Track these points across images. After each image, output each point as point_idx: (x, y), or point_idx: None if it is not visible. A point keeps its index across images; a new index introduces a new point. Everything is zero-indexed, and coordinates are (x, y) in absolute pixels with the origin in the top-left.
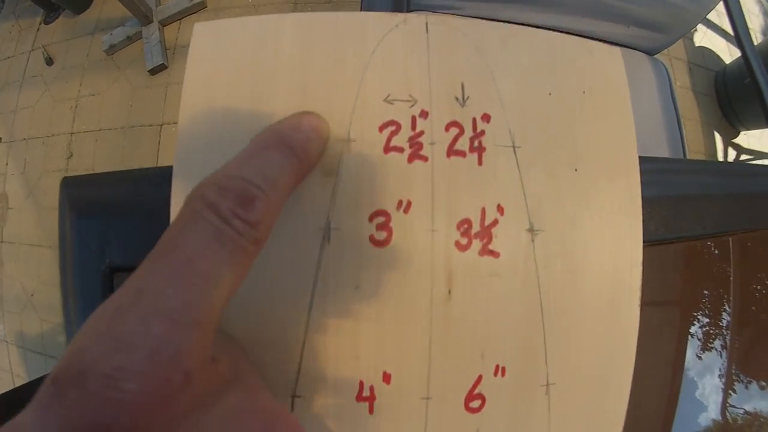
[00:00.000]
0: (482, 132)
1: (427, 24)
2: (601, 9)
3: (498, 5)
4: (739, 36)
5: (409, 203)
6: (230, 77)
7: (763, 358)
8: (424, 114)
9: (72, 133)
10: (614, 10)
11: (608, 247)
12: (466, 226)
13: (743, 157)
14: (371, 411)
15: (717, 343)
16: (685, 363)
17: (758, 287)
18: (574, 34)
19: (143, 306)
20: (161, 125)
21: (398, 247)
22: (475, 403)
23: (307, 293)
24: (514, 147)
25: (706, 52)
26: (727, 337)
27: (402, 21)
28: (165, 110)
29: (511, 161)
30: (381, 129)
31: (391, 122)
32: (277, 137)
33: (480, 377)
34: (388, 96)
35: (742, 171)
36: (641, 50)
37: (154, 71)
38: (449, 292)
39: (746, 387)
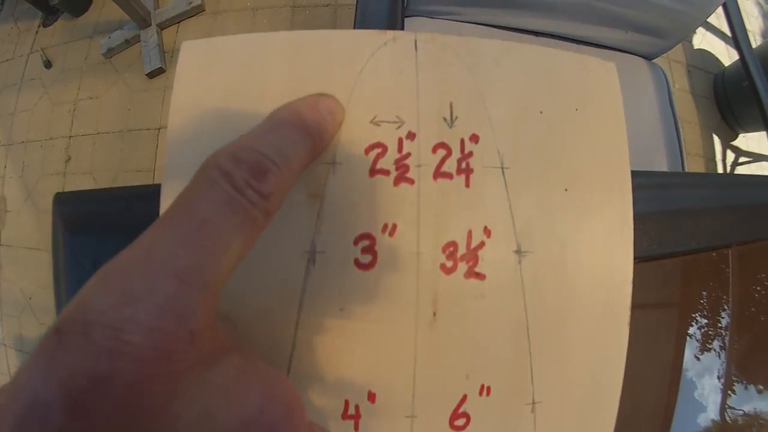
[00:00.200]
0: (470, 153)
1: (416, 42)
2: (600, 14)
3: (497, 11)
4: (738, 39)
5: (394, 226)
6: (217, 97)
7: (762, 360)
8: (411, 135)
9: (70, 137)
10: (613, 15)
11: (598, 267)
12: (452, 248)
13: (742, 159)
14: (356, 429)
15: (716, 344)
16: (684, 364)
17: (758, 288)
18: (572, 40)
19: (153, 264)
20: (159, 129)
21: (383, 270)
22: (460, 422)
23: (293, 314)
24: (502, 168)
25: (705, 55)
26: (726, 339)
27: (391, 39)
28: (163, 114)
29: (499, 183)
30: (367, 151)
31: (378, 144)
32: (294, 115)
33: (465, 396)
34: (374, 117)
35: (739, 182)
36: (639, 55)
37: (152, 75)
38: (434, 314)
39: (745, 388)
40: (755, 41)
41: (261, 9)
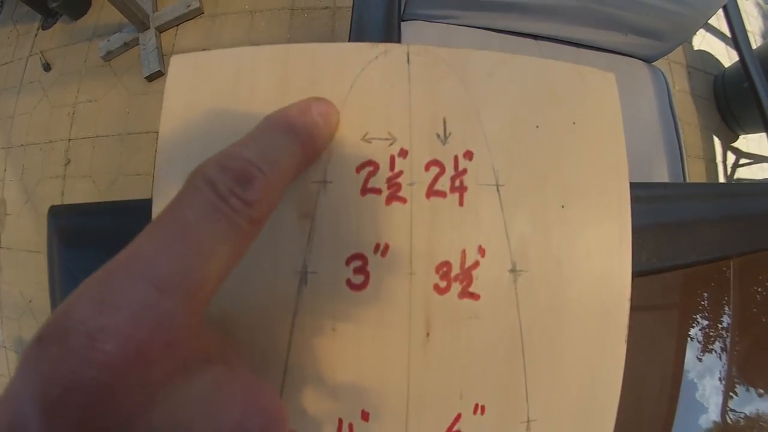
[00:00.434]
0: (464, 170)
1: (408, 54)
2: (599, 17)
3: (495, 14)
4: (737, 40)
5: (386, 246)
6: (207, 111)
7: (763, 362)
8: (403, 153)
9: (69, 140)
10: (612, 18)
11: (595, 285)
12: (445, 269)
13: (742, 161)
14: None
15: (717, 346)
16: (685, 366)
17: (758, 289)
18: (571, 43)
19: (133, 271)
20: (158, 132)
21: (376, 290)
22: None
23: (285, 334)
24: (497, 185)
25: (705, 56)
26: (727, 340)
27: (382, 52)
28: (161, 109)
29: (493, 201)
30: (358, 170)
31: (369, 162)
32: (282, 120)
33: (459, 415)
34: (366, 134)
35: (738, 192)
36: (639, 58)
37: (150, 78)
38: (427, 334)
39: (747, 390)
40: (755, 42)
41: (259, 11)
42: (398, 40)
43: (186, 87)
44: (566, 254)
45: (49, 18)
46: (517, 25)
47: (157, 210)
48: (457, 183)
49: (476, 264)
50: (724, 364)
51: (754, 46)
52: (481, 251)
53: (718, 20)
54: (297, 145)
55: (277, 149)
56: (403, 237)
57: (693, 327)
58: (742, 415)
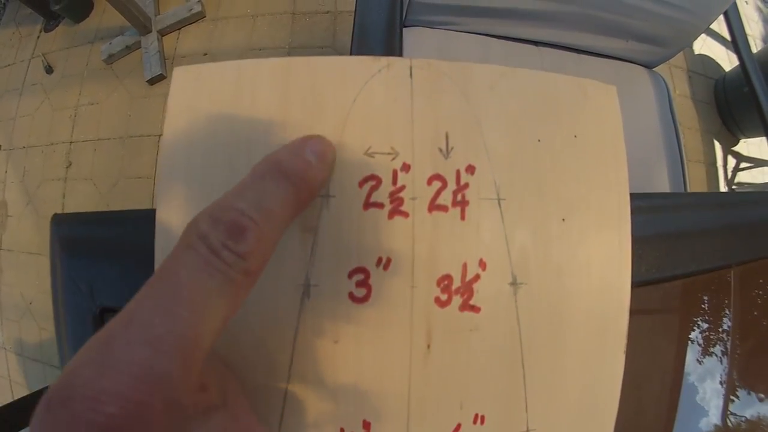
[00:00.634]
0: (466, 185)
1: (411, 68)
2: (600, 24)
3: (497, 21)
4: (738, 45)
5: (389, 260)
6: (209, 125)
7: (764, 365)
8: (405, 167)
9: (71, 142)
10: (613, 24)
11: (595, 297)
12: (446, 282)
13: (743, 165)
14: None
15: (717, 349)
16: (686, 368)
17: (759, 293)
18: (572, 49)
19: (131, 333)
20: (160, 135)
21: (378, 303)
22: None
23: (288, 346)
24: (498, 200)
25: (706, 60)
26: (728, 343)
27: (385, 66)
28: (163, 121)
29: (495, 214)
30: (361, 184)
31: (372, 177)
32: (274, 166)
33: (459, 425)
34: (368, 149)
35: (739, 201)
36: (640, 63)
37: (152, 81)
38: (428, 346)
39: (748, 393)
40: (756, 46)
41: (261, 16)
42: (400, 47)
43: (188, 99)
44: (566, 267)
45: (51, 21)
46: (518, 32)
47: (161, 221)
48: (459, 197)
49: (477, 277)
50: (725, 367)
51: (754, 50)
52: (482, 264)
53: (719, 24)
54: (290, 191)
55: (270, 197)
56: (405, 251)
57: (694, 330)
58: (742, 419)
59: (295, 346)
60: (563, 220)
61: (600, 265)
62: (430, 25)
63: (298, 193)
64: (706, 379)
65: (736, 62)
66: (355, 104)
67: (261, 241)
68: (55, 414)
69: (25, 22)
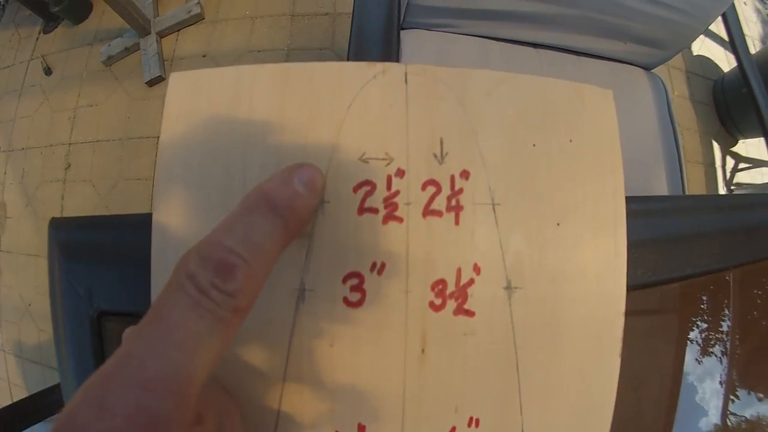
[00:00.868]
0: (460, 190)
1: (406, 74)
2: (599, 26)
3: (495, 23)
4: (736, 46)
5: (383, 265)
6: (206, 131)
7: (764, 366)
8: (400, 173)
9: (70, 144)
10: (612, 27)
11: (590, 301)
12: (441, 286)
13: (742, 165)
14: None
15: (717, 349)
16: (685, 369)
17: (759, 293)
18: (571, 51)
19: (125, 374)
20: (158, 137)
21: (372, 308)
22: None
23: (284, 349)
24: (493, 204)
25: (705, 61)
26: (728, 344)
27: (380, 72)
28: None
29: (489, 219)
30: (355, 189)
31: (366, 182)
32: (261, 198)
33: (453, 429)
34: (363, 154)
35: (736, 204)
36: (638, 65)
37: (151, 83)
38: (423, 350)
39: (748, 393)
40: (754, 47)
41: (260, 17)
42: (398, 49)
43: (185, 104)
44: (561, 271)
45: (50, 22)
46: (517, 34)
47: (157, 230)
48: (454, 202)
49: (471, 281)
50: (725, 367)
51: (752, 51)
52: (477, 269)
53: (717, 25)
54: (279, 223)
55: (258, 231)
56: (399, 255)
57: (693, 331)
58: (742, 419)
59: (290, 349)
60: (558, 224)
61: (595, 269)
62: (429, 27)
63: (286, 224)
64: (705, 380)
65: (734, 63)
66: (350, 110)
67: (250, 278)
68: None
69: (24, 23)
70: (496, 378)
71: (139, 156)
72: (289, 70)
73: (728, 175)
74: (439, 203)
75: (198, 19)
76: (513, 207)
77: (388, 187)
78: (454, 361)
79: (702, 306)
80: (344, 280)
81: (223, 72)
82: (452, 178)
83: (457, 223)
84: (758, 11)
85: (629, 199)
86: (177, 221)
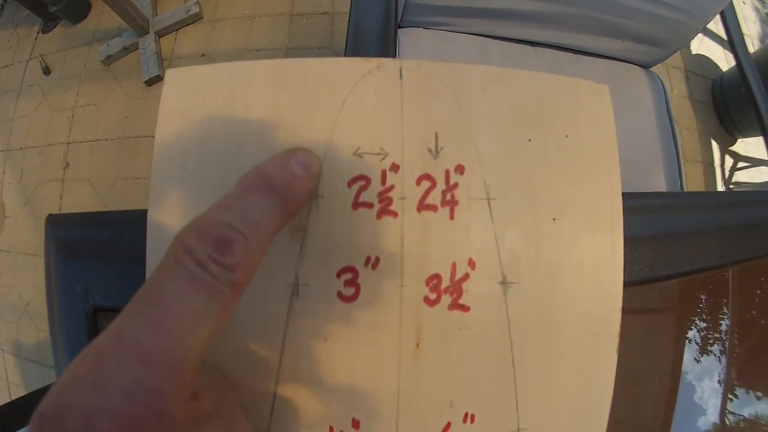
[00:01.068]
0: (455, 185)
1: (401, 70)
2: (597, 24)
3: (493, 22)
4: (734, 45)
5: (377, 259)
6: (202, 126)
7: (762, 364)
8: (394, 167)
9: (69, 143)
10: (610, 25)
11: (586, 297)
12: (435, 281)
13: (740, 164)
14: None
15: (715, 348)
16: (684, 369)
17: (757, 291)
18: (569, 50)
19: (120, 350)
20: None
21: (366, 302)
22: None
23: (278, 344)
24: (488, 199)
25: (703, 60)
26: (726, 343)
27: (375, 67)
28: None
29: (484, 214)
30: (350, 184)
31: (361, 177)
32: (260, 178)
33: (449, 424)
34: (358, 149)
35: (734, 201)
36: (637, 64)
37: (150, 82)
38: (417, 345)
39: (746, 392)
40: (753, 45)
41: (259, 17)
42: (395, 47)
43: (181, 101)
44: (557, 266)
45: (49, 22)
46: (514, 32)
47: (152, 226)
48: (448, 197)
49: (466, 276)
50: (723, 366)
51: (751, 50)
52: (472, 264)
53: (716, 24)
54: (277, 202)
55: (256, 209)
56: (393, 250)
57: (691, 329)
58: (741, 418)
59: (284, 344)
60: (554, 219)
61: (592, 264)
62: (426, 25)
63: (284, 204)
64: (704, 378)
65: (733, 62)
66: (344, 105)
67: (248, 254)
68: (47, 430)
69: (22, 23)
70: (491, 373)
71: (138, 155)
72: (285, 66)
73: (727, 174)
74: (434, 198)
75: (196, 18)
76: (508, 202)
77: (383, 181)
78: (449, 356)
79: (700, 304)
80: (338, 275)
81: (219, 68)
82: (447, 172)
83: (452, 217)
84: (757, 10)
85: (626, 195)
86: (172, 218)
